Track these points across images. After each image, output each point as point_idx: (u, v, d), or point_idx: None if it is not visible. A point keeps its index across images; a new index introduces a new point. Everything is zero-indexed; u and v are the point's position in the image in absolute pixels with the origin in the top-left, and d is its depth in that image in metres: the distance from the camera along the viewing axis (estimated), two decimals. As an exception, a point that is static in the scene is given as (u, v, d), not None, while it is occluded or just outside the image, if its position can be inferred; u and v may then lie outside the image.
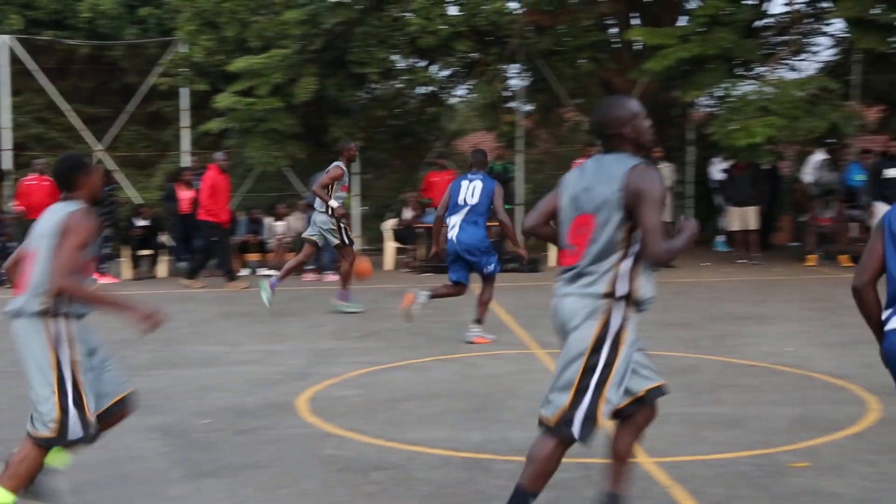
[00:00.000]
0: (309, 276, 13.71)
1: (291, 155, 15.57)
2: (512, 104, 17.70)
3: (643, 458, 5.09)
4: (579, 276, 3.60)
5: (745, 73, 16.31)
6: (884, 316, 3.44)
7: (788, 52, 17.67)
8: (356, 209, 16.84)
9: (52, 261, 3.89)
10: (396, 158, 18.43)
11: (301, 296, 12.08)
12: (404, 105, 18.00)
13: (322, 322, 9.98)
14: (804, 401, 6.29)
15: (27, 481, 3.97)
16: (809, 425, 5.66)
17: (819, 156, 14.82)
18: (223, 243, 12.99)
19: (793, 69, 18.14)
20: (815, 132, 13.73)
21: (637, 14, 17.91)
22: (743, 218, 14.64)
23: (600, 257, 3.56)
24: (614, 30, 18.47)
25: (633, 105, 3.72)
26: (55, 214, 4.03)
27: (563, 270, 3.68)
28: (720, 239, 16.24)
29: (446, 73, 17.49)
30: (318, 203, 10.23)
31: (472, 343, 8.49)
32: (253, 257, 14.48)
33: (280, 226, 15.02)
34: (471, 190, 8.34)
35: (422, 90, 17.94)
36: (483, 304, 8.63)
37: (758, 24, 17.93)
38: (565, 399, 3.63)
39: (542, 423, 3.70)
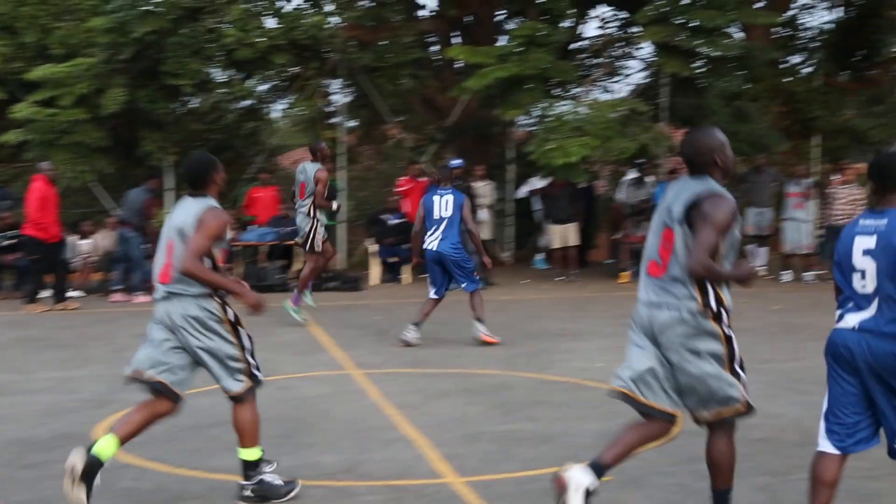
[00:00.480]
0: (117, 297, 13.15)
1: (99, 169, 14.91)
2: (334, 120, 17.63)
3: (453, 479, 5.13)
4: (671, 286, 3.99)
5: (561, 93, 16.87)
6: (837, 314, 3.91)
7: (602, 74, 18.43)
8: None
9: (185, 250, 4.51)
10: (214, 174, 17.93)
11: (107, 318, 11.55)
12: (221, 119, 17.59)
13: (128, 346, 9.52)
14: (611, 415, 6.49)
15: (257, 436, 4.74)
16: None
17: (632, 175, 15.51)
18: (45, 261, 12.25)
19: (606, 91, 18.95)
20: (627, 152, 14.34)
21: (458, 32, 18.26)
22: (563, 235, 15.11)
23: (684, 270, 3.94)
24: (436, 47, 18.76)
25: (721, 135, 4.11)
26: (191, 209, 4.61)
27: (650, 280, 4.08)
28: (539, 257, 16.69)
29: (265, 86, 17.24)
30: (299, 205, 10.36)
31: (481, 340, 9.23)
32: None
33: (85, 244, 14.34)
34: (444, 204, 9.22)
35: (241, 104, 17.60)
36: (476, 307, 9.34)
37: (573, 46, 18.64)
38: (738, 398, 4.13)
39: (712, 422, 4.23)
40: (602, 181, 18.94)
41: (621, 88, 19.16)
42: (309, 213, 10.25)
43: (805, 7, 19.73)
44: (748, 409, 4.18)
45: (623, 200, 15.46)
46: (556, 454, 5.54)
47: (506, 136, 17.78)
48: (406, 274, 15.18)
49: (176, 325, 4.59)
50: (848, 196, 14.59)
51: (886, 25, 18.68)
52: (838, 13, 19.42)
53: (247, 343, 4.73)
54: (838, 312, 3.89)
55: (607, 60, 18.76)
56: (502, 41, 16.92)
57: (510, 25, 17.95)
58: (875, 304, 3.75)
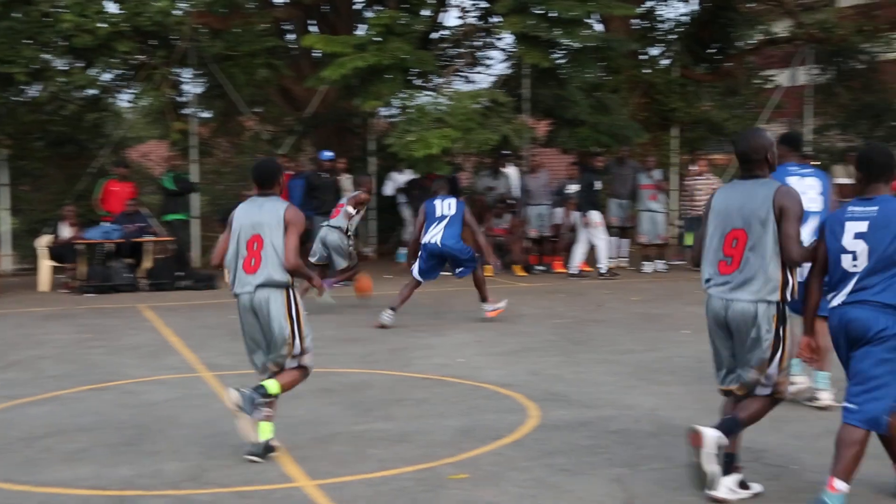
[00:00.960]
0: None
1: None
2: (186, 111, 17.15)
3: (305, 482, 5.07)
4: (746, 282, 4.63)
5: (422, 84, 16.92)
6: (828, 298, 4.51)
7: (463, 64, 18.57)
8: (5, 224, 15.57)
9: (284, 248, 5.44)
10: (54, 168, 17.20)
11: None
12: (62, 109, 16.86)
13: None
14: (470, 411, 6.56)
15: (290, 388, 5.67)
16: (472, 436, 5.90)
17: (500, 168, 15.74)
18: None
19: (468, 81, 19.10)
20: (488, 144, 14.49)
21: (315, 21, 18.07)
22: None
23: (764, 266, 4.61)
24: (292, 36, 18.52)
25: (769, 135, 4.86)
26: (271, 208, 5.50)
27: (719, 277, 4.73)
28: (404, 251, 16.69)
29: (109, 75, 16.60)
30: (338, 221, 11.07)
31: (486, 317, 10.42)
32: None
33: None
34: (446, 205, 10.37)
35: (83, 94, 16.90)
36: (480, 283, 10.53)
37: (434, 35, 18.72)
38: (755, 374, 4.69)
39: (732, 392, 4.80)
40: (466, 173, 19.08)
41: (483, 79, 19.36)
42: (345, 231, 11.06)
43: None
44: (779, 396, 4.76)
45: (487, 193, 15.63)
46: (412, 453, 5.55)
47: (366, 128, 17.71)
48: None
49: (260, 309, 5.47)
50: (708, 187, 15.16)
51: (739, 18, 19.47)
52: (694, 6, 20.12)
53: (309, 331, 5.62)
54: (832, 294, 4.49)
55: (468, 51, 18.92)
56: (362, 30, 16.82)
57: (369, 14, 17.86)
58: (866, 280, 4.35)
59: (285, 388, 5.54)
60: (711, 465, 4.53)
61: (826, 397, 6.49)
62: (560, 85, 16.45)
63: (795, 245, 4.59)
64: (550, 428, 6.10)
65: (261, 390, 5.39)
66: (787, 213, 4.60)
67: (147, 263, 14.17)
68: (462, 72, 19.15)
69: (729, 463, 4.69)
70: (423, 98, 15.40)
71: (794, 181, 6.36)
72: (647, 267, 15.28)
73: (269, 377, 5.56)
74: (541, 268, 15.48)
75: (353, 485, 5.01)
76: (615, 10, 16.02)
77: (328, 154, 14.78)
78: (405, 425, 6.20)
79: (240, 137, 20.26)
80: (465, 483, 5.01)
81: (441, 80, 17.34)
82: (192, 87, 17.02)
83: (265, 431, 5.47)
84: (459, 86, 18.57)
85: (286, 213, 5.48)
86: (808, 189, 6.43)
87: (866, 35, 19.39)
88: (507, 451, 5.61)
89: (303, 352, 5.58)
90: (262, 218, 5.47)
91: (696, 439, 4.55)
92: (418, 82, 16.66)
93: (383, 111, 17.50)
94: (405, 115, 14.95)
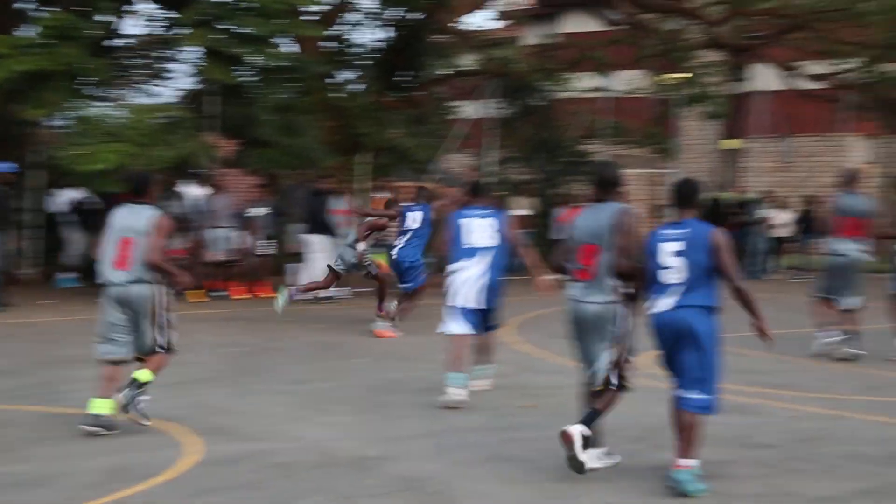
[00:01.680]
0: None
1: None
2: None
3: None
4: (596, 287, 5.63)
5: (97, 93, 16.04)
6: (649, 305, 5.49)
7: (143, 75, 17.85)
8: None
9: (147, 247, 6.44)
10: None
11: None
12: None
13: None
14: (122, 449, 6.20)
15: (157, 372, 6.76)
16: (121, 476, 5.58)
17: (188, 188, 15.25)
18: None
19: (150, 94, 18.36)
20: (167, 161, 13.96)
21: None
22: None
23: (608, 272, 5.61)
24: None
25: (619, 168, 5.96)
26: (145, 214, 6.51)
27: (579, 283, 5.71)
28: (67, 275, 15.69)
29: None
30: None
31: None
32: None
33: None
34: (412, 218, 11.12)
35: None
36: (402, 310, 11.29)
37: (114, 43, 17.85)
38: (605, 370, 5.67)
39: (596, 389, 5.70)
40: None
41: (166, 93, 18.66)
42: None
43: (355, 24, 20.63)
44: (605, 385, 5.63)
45: (178, 212, 15.10)
46: (51, 498, 5.18)
47: (30, 138, 16.52)
48: None
49: (131, 303, 6.46)
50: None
51: (429, 49, 20.14)
52: (388, 32, 20.54)
53: (174, 320, 6.70)
54: (654, 302, 5.45)
55: (149, 61, 18.19)
56: (31, 31, 15.67)
57: (41, 14, 16.67)
58: (685, 289, 5.33)
59: (156, 371, 6.59)
60: (582, 454, 5.37)
61: (458, 393, 7.50)
62: (247, 104, 16.20)
63: (619, 257, 5.57)
64: (210, 463, 5.88)
65: (135, 384, 6.45)
66: (618, 228, 5.59)
67: None
68: (141, 84, 18.37)
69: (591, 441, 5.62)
70: (95, 109, 14.62)
71: (475, 221, 7.74)
72: (337, 293, 15.30)
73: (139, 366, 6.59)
74: (220, 293, 15.06)
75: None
76: (303, 30, 16.05)
77: (6, 165, 13.66)
78: (46, 467, 5.75)
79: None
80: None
81: (119, 92, 16.54)
82: None
83: (105, 406, 6.48)
84: (140, 98, 17.81)
85: (158, 220, 6.49)
86: (487, 228, 7.67)
87: (544, 73, 20.72)
88: (159, 490, 5.34)
89: (168, 343, 6.64)
90: (135, 223, 6.45)
91: (566, 438, 5.37)
92: (91, 91, 15.77)
93: (55, 120, 16.39)
94: (73, 126, 14.10)
